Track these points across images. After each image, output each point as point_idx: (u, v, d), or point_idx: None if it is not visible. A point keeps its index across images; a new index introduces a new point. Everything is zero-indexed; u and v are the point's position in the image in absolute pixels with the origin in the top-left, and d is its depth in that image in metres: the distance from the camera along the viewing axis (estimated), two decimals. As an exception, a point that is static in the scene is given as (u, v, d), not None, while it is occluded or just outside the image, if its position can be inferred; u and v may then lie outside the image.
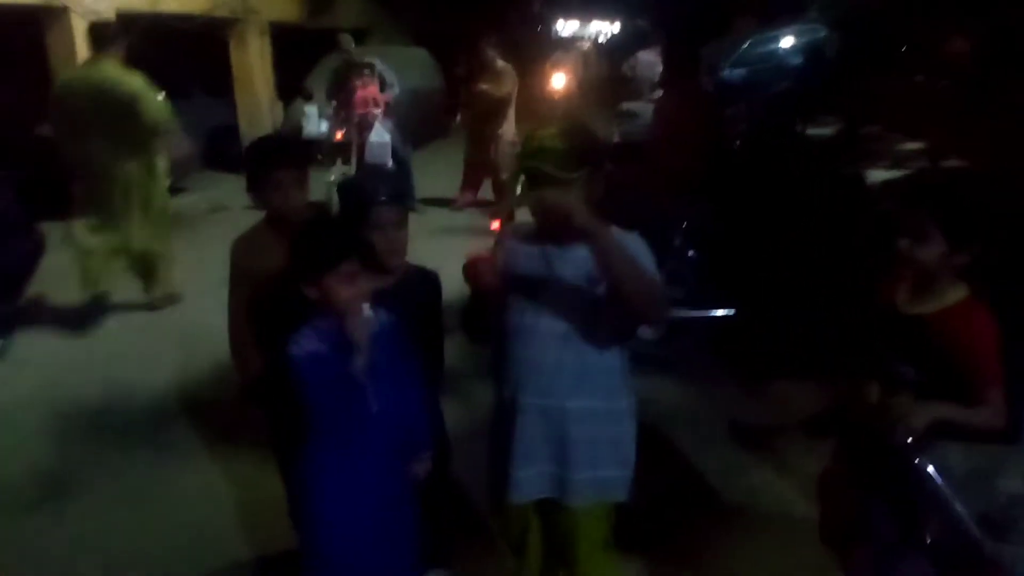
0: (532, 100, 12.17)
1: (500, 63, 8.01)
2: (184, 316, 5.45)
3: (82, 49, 7.76)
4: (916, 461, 1.81)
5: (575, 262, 1.89)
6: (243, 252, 2.50)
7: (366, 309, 2.05)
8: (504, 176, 7.85)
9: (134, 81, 4.89)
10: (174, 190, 9.38)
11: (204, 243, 7.39)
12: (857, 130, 8.87)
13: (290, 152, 2.52)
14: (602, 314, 1.88)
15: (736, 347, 4.39)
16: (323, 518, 2.15)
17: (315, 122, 9.63)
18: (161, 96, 5.00)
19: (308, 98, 10.02)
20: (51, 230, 5.24)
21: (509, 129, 8.00)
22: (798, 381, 4.09)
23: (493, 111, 7.84)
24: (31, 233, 5.05)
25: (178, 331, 5.18)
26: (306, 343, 2.03)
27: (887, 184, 5.37)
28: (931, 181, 2.90)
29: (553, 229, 1.86)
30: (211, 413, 4.04)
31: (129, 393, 4.33)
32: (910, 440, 1.79)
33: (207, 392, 4.31)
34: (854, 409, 2.13)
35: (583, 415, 1.92)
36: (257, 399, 2.58)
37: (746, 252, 4.45)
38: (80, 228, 5.17)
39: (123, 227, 5.21)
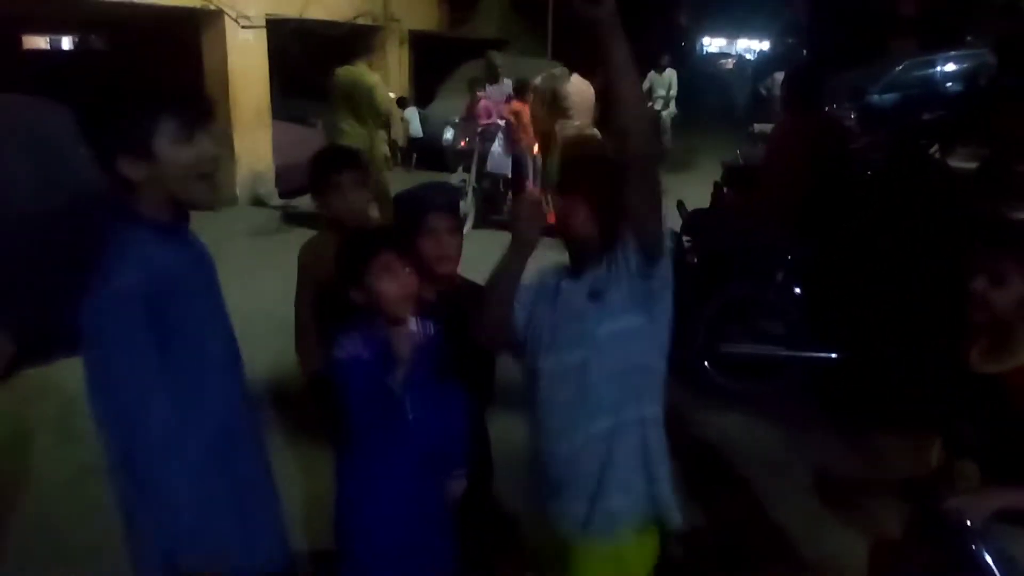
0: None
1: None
2: (280, 312, 5.68)
3: (233, 49, 8.36)
4: (973, 547, 1.59)
5: (579, 291, 1.85)
6: (307, 255, 2.59)
7: (412, 322, 2.05)
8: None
9: (373, 78, 7.22)
10: (299, 190, 9.97)
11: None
12: (1011, 166, 8.08)
13: (346, 155, 2.58)
14: (602, 334, 1.80)
15: (836, 393, 4.09)
16: (355, 522, 2.17)
17: (416, 124, 10.40)
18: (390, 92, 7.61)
19: (404, 105, 10.93)
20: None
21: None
22: (901, 436, 3.75)
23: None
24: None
25: (272, 326, 5.39)
26: (349, 348, 2.04)
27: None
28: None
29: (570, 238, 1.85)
30: (291, 407, 4.18)
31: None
32: (969, 523, 1.58)
33: (289, 386, 4.46)
34: (915, 472, 1.93)
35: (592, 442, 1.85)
36: (315, 397, 2.64)
37: (859, 293, 4.13)
38: None
39: None
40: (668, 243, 1.82)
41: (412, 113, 11.18)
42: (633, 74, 1.63)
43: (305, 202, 9.67)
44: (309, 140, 10.04)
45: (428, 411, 2.07)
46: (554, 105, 7.55)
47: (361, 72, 7.21)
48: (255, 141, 8.93)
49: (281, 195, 9.37)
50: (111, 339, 1.59)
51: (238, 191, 8.74)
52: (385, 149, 7.64)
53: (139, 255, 1.64)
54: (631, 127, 1.63)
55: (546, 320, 1.91)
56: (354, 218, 2.46)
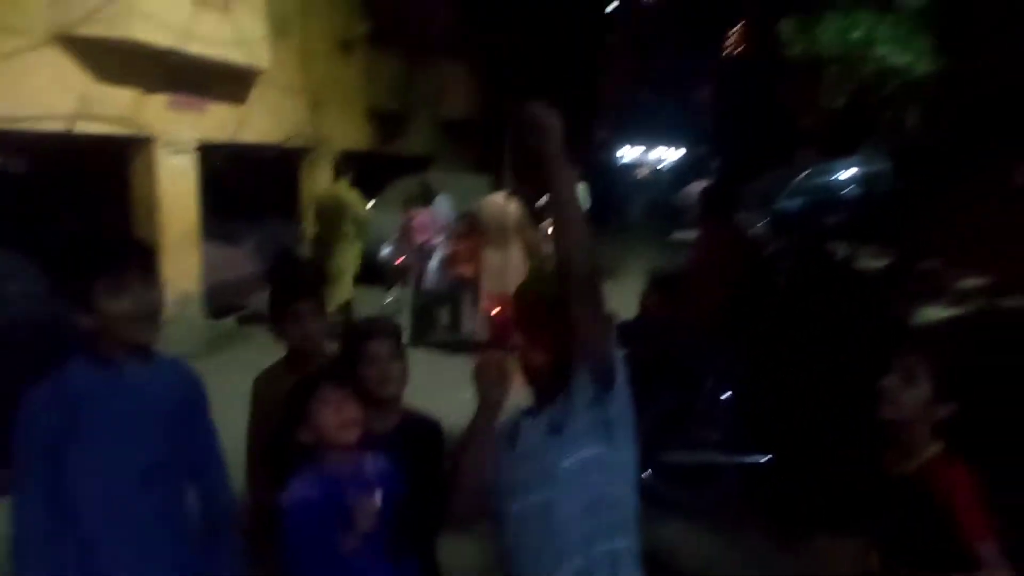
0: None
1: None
2: (230, 438, 5.53)
3: (163, 175, 8.40)
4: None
5: (537, 428, 1.87)
6: (262, 388, 2.59)
7: (362, 457, 2.08)
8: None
9: (352, 195, 8.27)
10: (236, 308, 9.85)
11: (261, 361, 7.56)
12: (913, 264, 8.69)
13: (306, 284, 2.64)
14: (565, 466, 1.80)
15: (772, 496, 4.19)
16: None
17: None
18: (367, 205, 8.74)
19: None
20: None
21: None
22: (840, 536, 3.84)
23: None
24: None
25: (231, 446, 5.23)
26: (297, 490, 2.05)
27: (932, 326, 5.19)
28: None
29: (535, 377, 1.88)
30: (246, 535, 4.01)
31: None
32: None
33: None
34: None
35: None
36: (265, 532, 2.58)
37: (784, 395, 4.32)
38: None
39: (334, 277, 8.05)
40: (622, 368, 1.85)
41: None
42: (576, 203, 1.73)
43: (234, 323, 9.57)
44: (237, 259, 10.04)
45: (378, 553, 2.06)
46: (472, 228, 7.63)
47: (341, 190, 8.39)
48: (184, 263, 8.84)
49: (210, 315, 9.23)
50: (13, 454, 1.82)
51: (166, 313, 8.56)
52: (358, 257, 8.63)
53: (57, 385, 1.86)
54: (574, 254, 1.71)
55: (508, 463, 1.90)
56: (311, 346, 2.50)
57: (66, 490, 1.81)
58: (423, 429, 2.37)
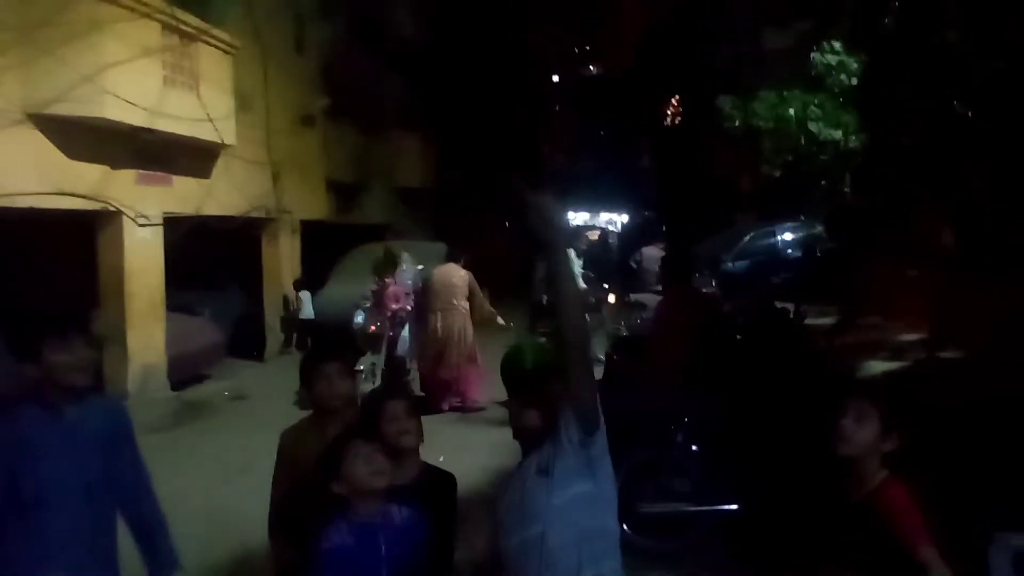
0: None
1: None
2: (205, 503, 5.56)
3: (130, 247, 8.47)
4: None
5: (529, 471, 2.13)
6: (289, 442, 2.78)
7: (390, 508, 2.30)
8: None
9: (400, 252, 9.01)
10: (199, 378, 9.83)
11: (226, 431, 7.61)
12: (856, 321, 9.22)
13: (335, 345, 2.88)
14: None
15: (745, 541, 4.44)
16: None
17: (308, 307, 11.43)
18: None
19: (301, 287, 11.79)
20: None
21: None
22: (813, 570, 4.09)
23: None
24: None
25: (199, 517, 5.26)
26: (335, 537, 2.25)
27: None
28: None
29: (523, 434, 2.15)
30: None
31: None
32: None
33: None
34: None
35: None
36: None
37: (749, 445, 4.61)
38: None
39: None
40: (601, 413, 2.12)
41: (305, 296, 11.47)
42: (570, 277, 2.06)
43: (197, 393, 9.54)
44: (198, 330, 10.06)
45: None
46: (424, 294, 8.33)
47: (395, 248, 9.32)
48: (148, 335, 8.85)
49: (173, 386, 9.19)
50: None
51: (129, 386, 8.50)
52: None
53: (10, 423, 2.39)
54: (570, 317, 2.02)
55: (506, 504, 2.17)
56: (337, 404, 2.71)
57: (22, 504, 2.34)
58: (440, 481, 2.61)
